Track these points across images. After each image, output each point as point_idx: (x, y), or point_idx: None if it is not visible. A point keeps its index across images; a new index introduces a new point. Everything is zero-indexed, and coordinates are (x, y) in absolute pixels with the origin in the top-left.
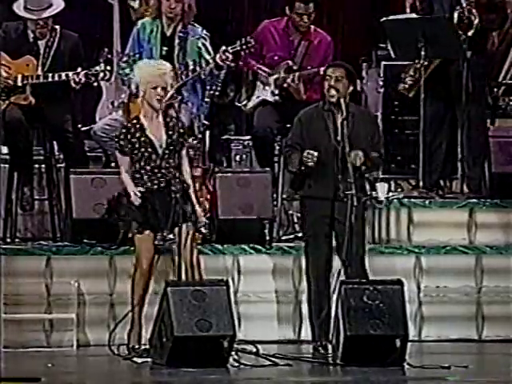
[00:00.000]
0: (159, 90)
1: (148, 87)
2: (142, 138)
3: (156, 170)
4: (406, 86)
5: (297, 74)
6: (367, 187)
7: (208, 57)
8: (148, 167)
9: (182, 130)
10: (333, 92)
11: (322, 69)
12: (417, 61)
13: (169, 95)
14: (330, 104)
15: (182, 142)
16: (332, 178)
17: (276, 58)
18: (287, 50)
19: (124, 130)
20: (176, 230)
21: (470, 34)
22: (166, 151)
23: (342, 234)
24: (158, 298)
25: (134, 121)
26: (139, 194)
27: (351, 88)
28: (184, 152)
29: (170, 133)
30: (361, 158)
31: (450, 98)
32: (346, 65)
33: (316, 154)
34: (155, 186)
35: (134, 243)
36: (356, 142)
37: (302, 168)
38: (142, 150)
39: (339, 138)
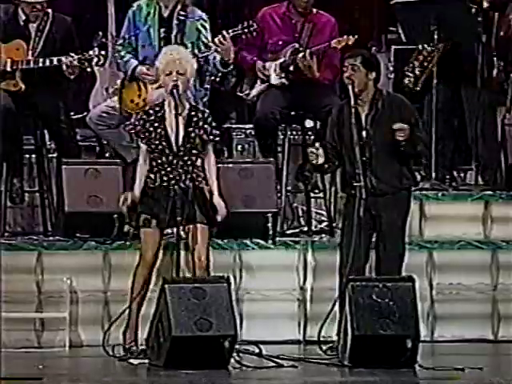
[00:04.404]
0: (174, 75)
1: (163, 74)
2: (159, 130)
3: (166, 166)
4: (412, 79)
5: (308, 50)
6: (408, 175)
7: (206, 40)
8: (159, 160)
9: (206, 126)
10: (348, 81)
11: (333, 42)
12: (421, 47)
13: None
14: (353, 97)
15: (205, 138)
16: (363, 175)
17: (280, 42)
18: (291, 33)
19: (145, 116)
20: (187, 227)
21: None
22: (182, 148)
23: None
24: (156, 295)
25: (157, 108)
26: (129, 201)
27: (372, 75)
28: (210, 146)
29: (190, 129)
30: (405, 131)
31: (459, 84)
32: (363, 51)
33: (316, 149)
34: (165, 183)
35: (140, 236)
36: (382, 137)
37: (314, 168)
38: (156, 142)
39: (364, 133)
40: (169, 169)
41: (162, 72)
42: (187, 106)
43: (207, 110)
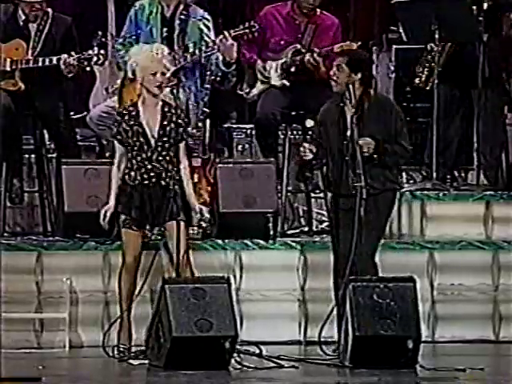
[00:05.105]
0: (158, 75)
1: (147, 73)
2: (135, 127)
3: (146, 163)
4: (423, 78)
5: (316, 50)
6: (391, 178)
7: (209, 39)
8: (139, 158)
9: (180, 121)
10: (332, 82)
11: (336, 47)
12: (429, 47)
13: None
14: (340, 97)
15: (181, 133)
16: (345, 174)
17: (282, 42)
18: (294, 34)
19: (119, 117)
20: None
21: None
22: (159, 143)
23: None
24: (155, 296)
25: (131, 108)
26: (108, 214)
27: (357, 76)
28: (182, 145)
29: (165, 123)
30: (370, 146)
31: (464, 84)
32: (352, 52)
33: (307, 145)
34: (145, 181)
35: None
36: (368, 137)
37: (302, 163)
38: (134, 139)
39: (349, 133)
40: (149, 166)
41: (144, 70)
42: (160, 103)
43: (179, 105)
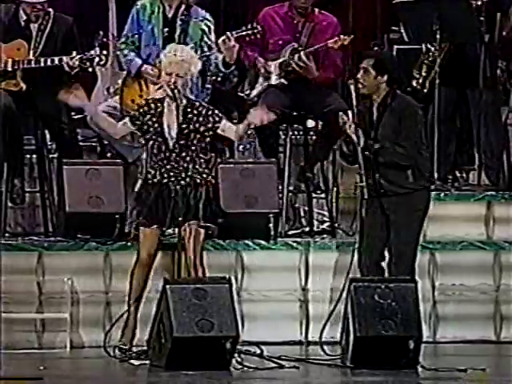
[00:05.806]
0: (173, 76)
1: (164, 72)
2: (156, 125)
3: (165, 162)
4: (420, 80)
5: (302, 52)
6: (410, 178)
7: (209, 41)
8: (158, 157)
9: (201, 119)
10: (359, 85)
11: (330, 42)
12: (425, 48)
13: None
14: (356, 99)
15: (205, 135)
16: (371, 174)
17: (281, 42)
18: (292, 33)
19: (145, 108)
20: (183, 226)
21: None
22: (176, 145)
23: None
24: (157, 296)
25: (158, 103)
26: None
27: (383, 78)
28: (222, 123)
29: (184, 126)
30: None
31: (464, 85)
32: (378, 54)
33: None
34: (164, 180)
35: (139, 235)
36: (384, 138)
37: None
38: (153, 137)
39: (372, 134)
40: (168, 166)
41: (163, 69)
42: (184, 102)
43: (203, 103)
